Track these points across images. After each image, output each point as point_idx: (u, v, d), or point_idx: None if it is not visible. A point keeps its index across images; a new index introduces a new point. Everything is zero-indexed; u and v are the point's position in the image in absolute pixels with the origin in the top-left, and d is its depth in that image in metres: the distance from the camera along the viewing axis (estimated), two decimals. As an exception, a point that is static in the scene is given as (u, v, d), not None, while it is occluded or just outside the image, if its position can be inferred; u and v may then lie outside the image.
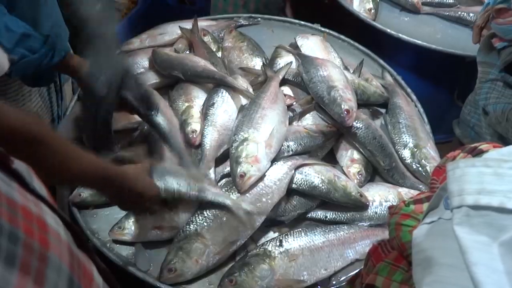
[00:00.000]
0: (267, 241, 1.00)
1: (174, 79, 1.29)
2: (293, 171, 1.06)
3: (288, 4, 1.93)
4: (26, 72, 0.90)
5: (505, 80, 1.15)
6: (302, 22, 1.65)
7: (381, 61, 1.51)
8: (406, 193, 1.13)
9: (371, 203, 1.09)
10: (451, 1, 1.71)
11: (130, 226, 0.99)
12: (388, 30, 1.60)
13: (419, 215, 0.58)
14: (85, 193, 1.03)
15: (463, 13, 1.65)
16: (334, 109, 1.14)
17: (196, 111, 1.16)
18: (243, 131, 1.08)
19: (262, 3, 1.81)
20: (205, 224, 0.98)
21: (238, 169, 1.01)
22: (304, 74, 1.25)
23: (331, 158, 1.20)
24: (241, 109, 1.16)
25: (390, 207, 0.66)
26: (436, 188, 0.59)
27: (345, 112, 1.12)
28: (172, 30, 1.51)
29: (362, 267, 0.97)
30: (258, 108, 1.13)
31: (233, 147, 1.06)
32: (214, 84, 1.26)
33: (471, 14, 1.63)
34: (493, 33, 1.17)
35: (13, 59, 0.57)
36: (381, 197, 1.11)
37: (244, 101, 1.20)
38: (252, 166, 1.01)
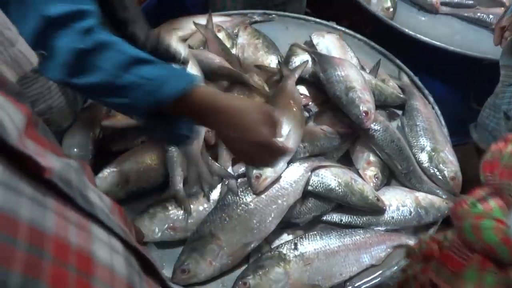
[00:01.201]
0: (281, 244, 0.99)
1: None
2: (310, 173, 1.04)
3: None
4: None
5: (530, 84, 1.13)
6: (318, 20, 1.62)
7: (398, 62, 1.48)
8: (424, 198, 1.11)
9: (387, 208, 1.07)
10: (470, 2, 1.68)
11: (144, 225, 0.98)
12: (406, 30, 1.57)
13: (492, 213, 0.57)
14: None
15: (482, 14, 1.61)
16: (352, 111, 1.11)
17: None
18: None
19: None
20: (220, 225, 0.96)
21: (254, 170, 0.99)
22: (321, 73, 1.22)
23: (346, 160, 1.18)
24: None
25: (453, 213, 0.64)
26: (495, 184, 0.57)
27: (364, 114, 1.10)
28: (186, 25, 1.49)
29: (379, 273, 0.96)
30: (274, 107, 1.10)
31: None
32: (229, 81, 1.23)
33: (490, 16, 1.60)
34: (517, 37, 1.14)
35: (43, 54, 0.53)
36: (398, 201, 1.09)
37: (259, 100, 1.18)
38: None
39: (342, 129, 1.16)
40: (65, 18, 0.64)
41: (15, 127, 0.30)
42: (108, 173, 1.05)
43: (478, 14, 1.62)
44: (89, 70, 0.66)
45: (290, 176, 1.03)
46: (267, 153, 0.75)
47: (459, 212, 0.61)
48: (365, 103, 1.12)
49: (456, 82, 1.70)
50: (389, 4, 1.63)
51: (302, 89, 1.27)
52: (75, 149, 1.03)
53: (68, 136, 1.06)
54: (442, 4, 1.69)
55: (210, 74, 1.23)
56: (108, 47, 0.66)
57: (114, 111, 1.05)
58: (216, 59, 1.24)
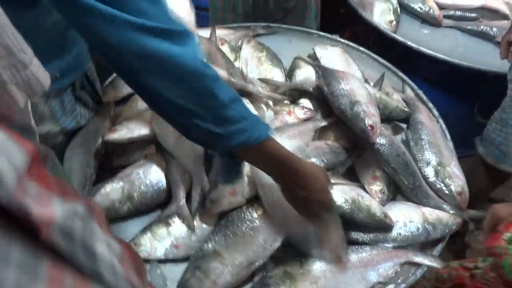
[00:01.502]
0: (287, 262, 0.97)
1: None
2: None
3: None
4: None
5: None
6: (321, 33, 1.62)
7: (402, 75, 1.47)
8: (431, 213, 1.09)
9: (395, 224, 1.05)
10: (473, 14, 1.68)
11: (146, 242, 0.96)
12: (409, 43, 1.57)
13: None
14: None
15: (485, 27, 1.61)
16: (357, 125, 1.10)
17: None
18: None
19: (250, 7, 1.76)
20: (224, 242, 0.94)
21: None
22: (325, 87, 1.21)
23: (351, 175, 1.16)
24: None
25: (489, 250, 0.63)
26: None
27: (369, 128, 1.08)
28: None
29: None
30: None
31: None
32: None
33: (494, 29, 1.59)
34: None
35: (56, 75, 0.53)
36: (405, 217, 1.07)
37: (267, 112, 1.16)
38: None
39: (347, 143, 1.15)
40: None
41: (14, 171, 0.27)
42: (110, 190, 1.03)
43: (481, 27, 1.62)
44: (205, 94, 0.69)
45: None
46: (325, 212, 0.89)
47: (497, 248, 0.60)
48: (371, 117, 1.10)
49: (461, 95, 1.70)
50: (392, 17, 1.63)
51: (306, 103, 1.26)
52: (78, 165, 1.02)
53: (70, 151, 1.04)
54: (445, 17, 1.69)
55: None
56: (219, 78, 0.71)
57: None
58: (220, 72, 1.23)
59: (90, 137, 1.03)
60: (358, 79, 1.24)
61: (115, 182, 1.04)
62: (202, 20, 2.00)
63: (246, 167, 1.00)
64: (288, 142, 1.06)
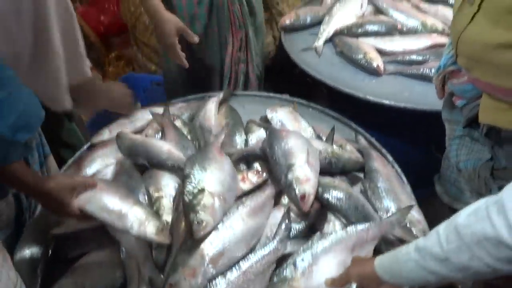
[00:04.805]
0: (281, 266, 0.99)
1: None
2: (274, 264, 1.01)
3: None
4: None
5: (471, 135, 1.15)
6: (271, 94, 1.68)
7: (353, 125, 1.52)
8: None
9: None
10: (420, 58, 1.75)
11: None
12: (356, 93, 1.63)
13: None
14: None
15: (425, 69, 1.69)
16: (290, 194, 1.09)
17: (167, 202, 1.11)
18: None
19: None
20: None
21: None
22: (268, 149, 1.21)
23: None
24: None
25: None
26: None
27: (300, 198, 1.06)
28: (142, 116, 1.52)
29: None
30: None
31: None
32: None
33: (432, 70, 1.67)
34: (452, 92, 1.19)
35: None
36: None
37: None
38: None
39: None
40: None
41: None
42: (63, 284, 0.99)
43: (421, 69, 1.70)
44: None
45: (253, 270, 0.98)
46: None
47: None
48: (303, 183, 1.08)
49: (414, 136, 1.74)
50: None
51: (257, 166, 1.26)
52: (26, 266, 0.98)
53: (19, 251, 1.01)
54: (389, 62, 1.77)
55: (161, 165, 1.23)
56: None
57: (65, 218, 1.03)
58: (165, 147, 1.25)
59: (38, 235, 1.01)
60: (301, 137, 1.25)
61: (69, 275, 1.01)
62: (159, 96, 2.06)
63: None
64: (250, 221, 1.05)
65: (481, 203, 0.69)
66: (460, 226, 0.69)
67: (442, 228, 0.74)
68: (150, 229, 0.97)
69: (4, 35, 1.02)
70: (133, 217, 0.98)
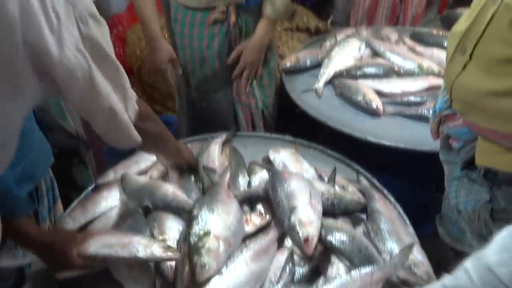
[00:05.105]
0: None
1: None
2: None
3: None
4: None
5: (469, 176, 1.17)
6: (273, 135, 1.71)
7: (355, 165, 1.54)
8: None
9: None
10: (418, 99, 1.80)
11: None
12: (356, 134, 1.66)
13: None
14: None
15: (424, 110, 1.74)
16: (294, 238, 1.10)
17: (171, 245, 1.11)
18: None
19: None
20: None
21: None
22: (270, 191, 1.23)
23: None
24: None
25: None
26: None
27: (304, 241, 1.07)
28: (146, 157, 1.54)
29: None
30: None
31: None
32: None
33: (430, 111, 1.72)
34: (448, 134, 1.21)
35: None
36: None
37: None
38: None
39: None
40: None
41: None
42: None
43: (419, 110, 1.74)
44: None
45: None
46: None
47: None
48: (306, 226, 1.09)
49: (415, 177, 1.76)
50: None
51: (260, 207, 1.27)
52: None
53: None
54: (388, 103, 1.81)
55: (166, 207, 1.24)
56: None
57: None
58: (170, 190, 1.27)
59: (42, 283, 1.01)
60: (303, 179, 1.26)
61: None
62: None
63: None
64: (254, 265, 1.05)
65: (505, 234, 0.64)
66: (494, 265, 0.63)
67: (470, 266, 0.67)
68: (156, 249, 1.00)
69: None
70: (137, 243, 1.01)
